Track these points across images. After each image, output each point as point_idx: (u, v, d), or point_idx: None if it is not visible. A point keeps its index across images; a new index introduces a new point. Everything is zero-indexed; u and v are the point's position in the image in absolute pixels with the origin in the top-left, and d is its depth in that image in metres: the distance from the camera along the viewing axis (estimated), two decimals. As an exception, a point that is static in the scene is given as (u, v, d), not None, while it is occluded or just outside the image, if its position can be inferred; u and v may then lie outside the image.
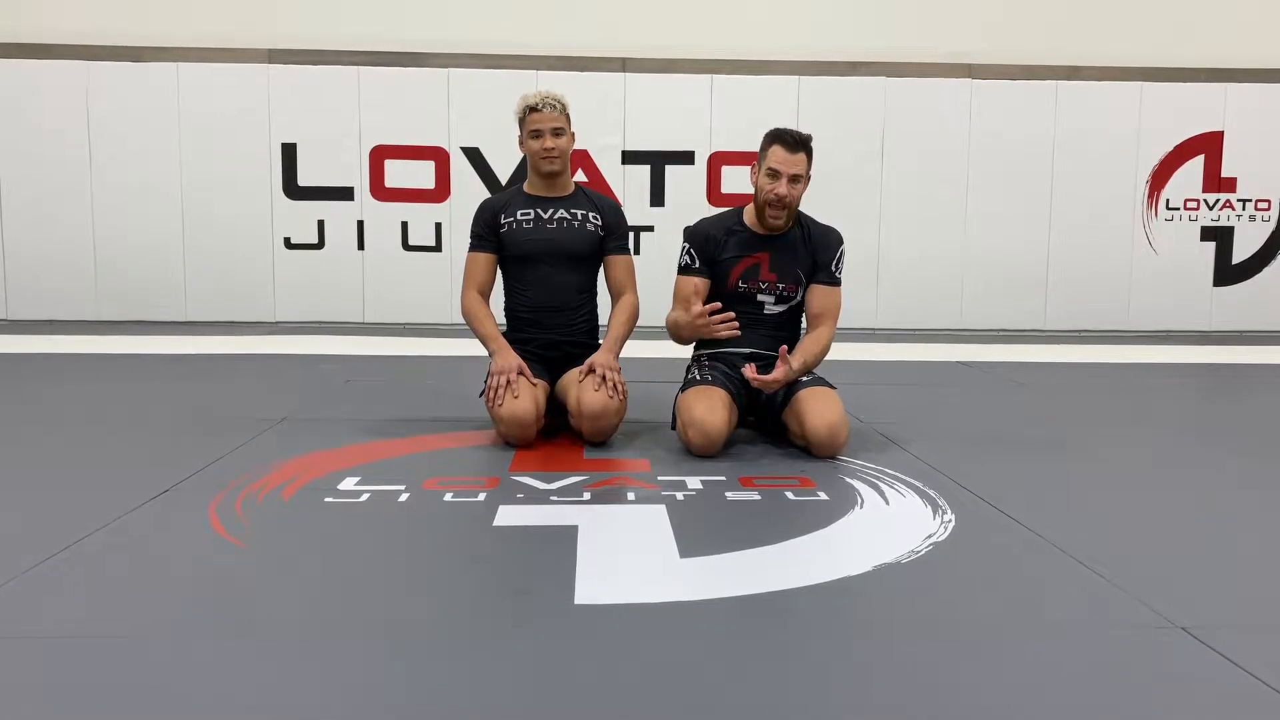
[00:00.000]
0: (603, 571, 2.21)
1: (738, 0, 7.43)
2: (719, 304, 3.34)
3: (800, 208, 3.59)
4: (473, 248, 3.67)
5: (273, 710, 1.59)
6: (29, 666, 1.74)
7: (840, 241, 3.55)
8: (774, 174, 3.36)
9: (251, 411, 3.98)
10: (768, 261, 3.49)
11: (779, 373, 3.29)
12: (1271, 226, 7.63)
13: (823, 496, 2.86)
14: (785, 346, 3.34)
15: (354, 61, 7.17)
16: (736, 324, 3.33)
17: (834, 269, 3.52)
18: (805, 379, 3.44)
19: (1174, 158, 7.51)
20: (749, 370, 3.31)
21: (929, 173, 7.40)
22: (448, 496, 2.82)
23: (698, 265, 3.51)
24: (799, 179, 3.37)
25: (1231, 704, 1.65)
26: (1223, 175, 7.54)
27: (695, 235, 3.55)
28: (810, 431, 3.27)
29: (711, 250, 3.50)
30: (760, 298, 3.50)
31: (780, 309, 3.53)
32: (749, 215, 3.52)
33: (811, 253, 3.51)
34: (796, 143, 3.36)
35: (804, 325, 3.60)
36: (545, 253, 3.61)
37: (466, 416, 3.84)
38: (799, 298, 3.53)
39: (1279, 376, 5.79)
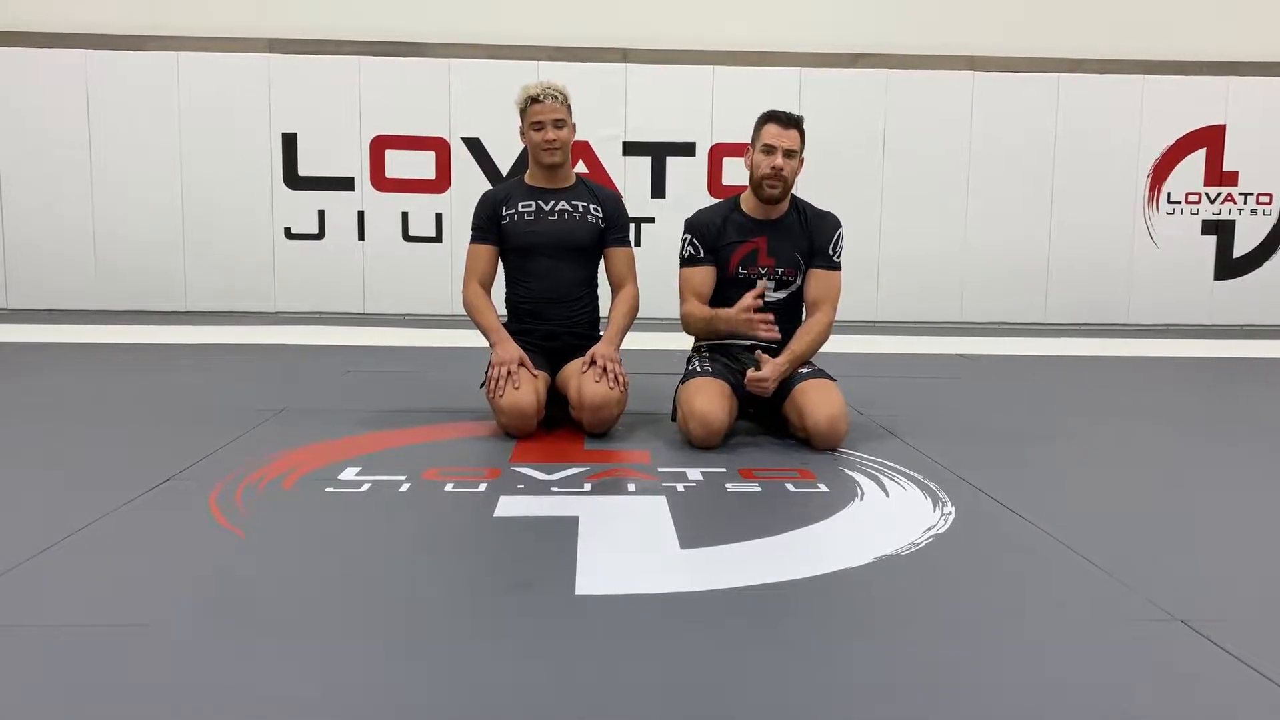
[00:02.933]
0: (603, 562, 2.22)
1: (739, -9, 7.42)
2: (760, 303, 3.33)
3: (800, 197, 3.59)
4: (474, 239, 3.67)
5: (273, 699, 1.60)
6: (29, 656, 1.74)
7: (838, 225, 3.54)
8: (769, 149, 3.39)
9: (252, 402, 3.97)
10: (765, 246, 3.49)
11: (768, 370, 3.29)
12: (1273, 220, 7.62)
13: (823, 488, 2.86)
14: (765, 354, 3.34)
15: (355, 51, 7.15)
16: (775, 327, 3.34)
17: (831, 253, 3.51)
18: (804, 370, 3.44)
19: (1176, 151, 7.50)
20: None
21: (930, 165, 7.39)
22: (448, 487, 2.82)
23: (702, 255, 3.51)
24: (793, 154, 3.40)
25: (1231, 697, 1.65)
26: (1224, 169, 7.53)
27: (695, 225, 3.55)
28: (810, 424, 3.27)
29: (712, 238, 3.50)
30: (760, 284, 3.50)
31: (781, 295, 3.52)
32: (745, 201, 3.54)
33: (809, 236, 3.50)
34: (789, 120, 3.42)
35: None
36: (546, 244, 3.60)
37: (467, 407, 3.84)
38: (798, 282, 3.52)
39: None
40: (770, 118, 3.44)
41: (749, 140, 3.49)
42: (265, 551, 2.31)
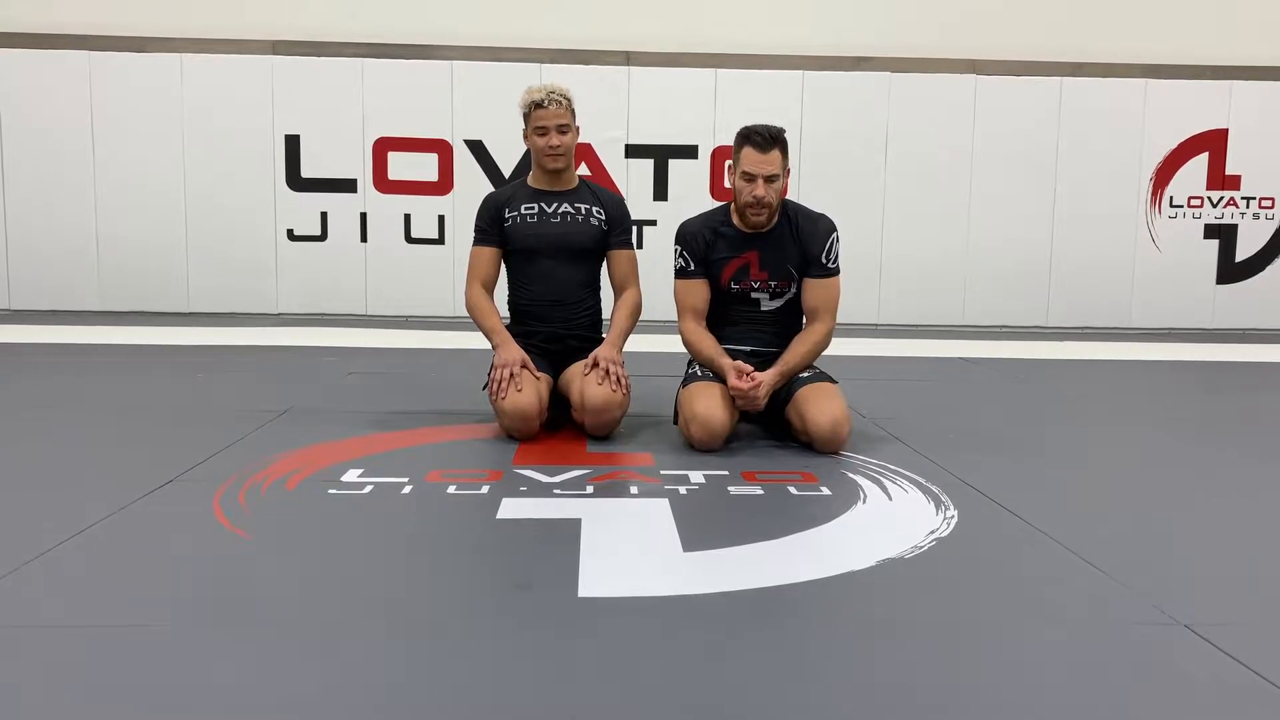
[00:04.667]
0: (606, 565, 2.22)
1: (742, -6, 7.43)
2: (758, 385, 3.29)
3: (800, 201, 3.57)
4: (476, 242, 3.67)
5: (275, 701, 1.60)
6: (32, 657, 1.74)
7: (830, 230, 3.46)
8: (749, 177, 3.30)
9: (254, 403, 3.98)
10: (757, 260, 3.44)
11: (758, 384, 3.28)
12: (1275, 224, 7.62)
13: (825, 491, 2.86)
14: (755, 371, 3.33)
15: (358, 53, 7.16)
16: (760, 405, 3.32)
17: (825, 260, 3.43)
18: (806, 374, 3.44)
19: (1178, 155, 7.51)
20: (734, 380, 3.29)
21: (932, 168, 7.40)
22: (451, 489, 2.82)
23: (693, 268, 3.48)
24: (775, 178, 3.30)
25: (1234, 701, 1.65)
26: (1227, 173, 7.53)
27: (685, 237, 3.50)
28: (813, 427, 3.27)
29: (702, 251, 3.47)
30: (754, 295, 3.49)
31: (776, 304, 3.50)
32: (735, 213, 3.47)
33: (800, 246, 3.44)
34: (768, 140, 3.28)
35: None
36: (549, 246, 3.61)
37: (469, 409, 3.85)
38: (794, 291, 3.49)
39: (1281, 374, 5.79)
40: (746, 139, 3.31)
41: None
42: (268, 553, 2.31)
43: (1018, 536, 2.50)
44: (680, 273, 3.51)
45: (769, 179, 3.29)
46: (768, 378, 3.31)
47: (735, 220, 3.47)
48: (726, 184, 3.45)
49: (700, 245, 3.47)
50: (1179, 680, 1.73)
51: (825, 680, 1.70)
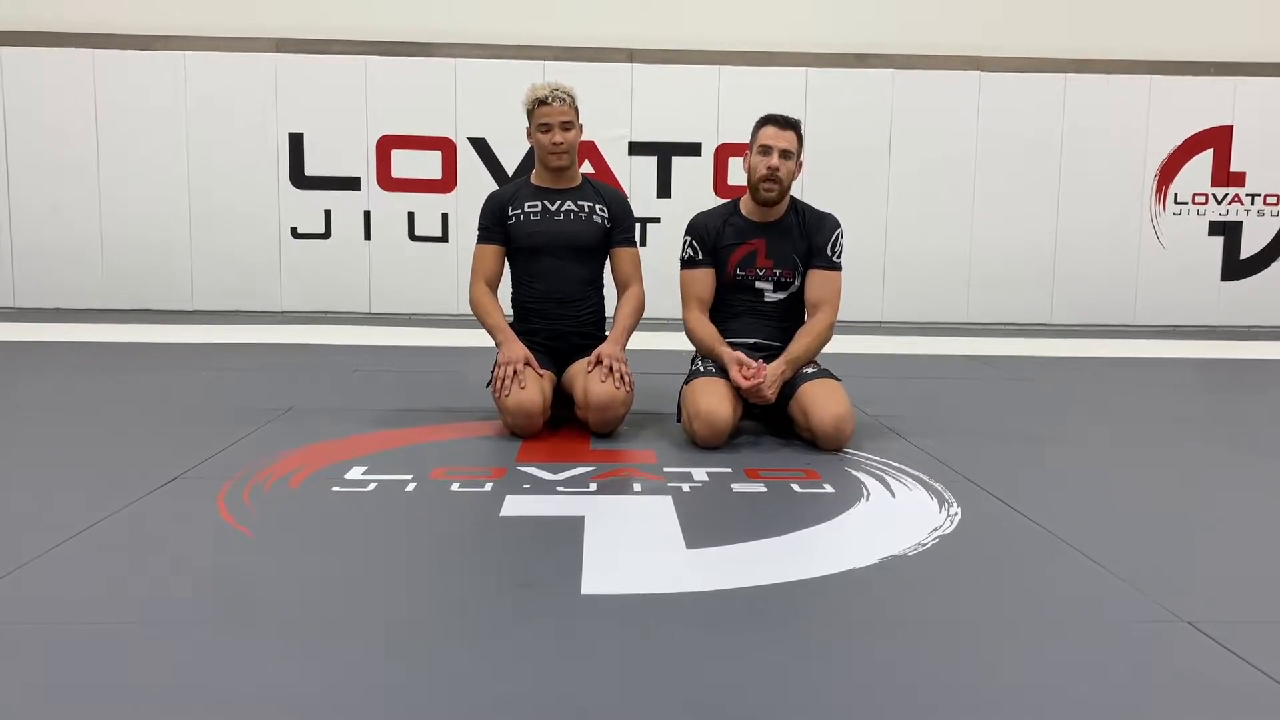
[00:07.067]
0: (609, 562, 2.22)
1: (745, -9, 7.42)
2: (759, 381, 3.29)
3: (805, 198, 3.61)
4: (480, 239, 3.67)
5: (278, 699, 1.60)
6: (35, 654, 1.75)
7: (836, 226, 3.55)
8: (766, 150, 3.42)
9: (258, 401, 3.98)
10: (764, 248, 3.50)
11: (766, 378, 3.29)
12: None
13: (829, 489, 2.86)
14: (762, 361, 3.35)
15: (361, 51, 7.16)
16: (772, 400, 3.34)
17: (830, 253, 3.51)
18: (810, 371, 3.44)
19: (1182, 152, 7.49)
20: (735, 374, 3.31)
21: (936, 166, 7.39)
22: (454, 486, 2.83)
23: (701, 257, 3.53)
24: (790, 155, 3.43)
25: (1238, 699, 1.65)
26: (1231, 170, 7.51)
27: (696, 227, 3.57)
28: (816, 424, 3.27)
29: (712, 240, 3.53)
30: (759, 285, 3.52)
31: (780, 296, 3.53)
32: (745, 204, 3.56)
33: (807, 237, 3.51)
34: (786, 122, 3.45)
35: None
36: (552, 244, 3.61)
37: (473, 407, 3.85)
38: (797, 284, 3.53)
39: (1286, 372, 5.77)
40: (767, 120, 3.47)
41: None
42: (272, 550, 2.32)
43: (1021, 534, 2.50)
44: (688, 263, 3.55)
45: (784, 153, 3.41)
46: (774, 369, 3.32)
47: (744, 210, 3.55)
48: (743, 168, 3.56)
49: (710, 235, 3.53)
50: (1183, 678, 1.72)
51: (828, 678, 1.70)
